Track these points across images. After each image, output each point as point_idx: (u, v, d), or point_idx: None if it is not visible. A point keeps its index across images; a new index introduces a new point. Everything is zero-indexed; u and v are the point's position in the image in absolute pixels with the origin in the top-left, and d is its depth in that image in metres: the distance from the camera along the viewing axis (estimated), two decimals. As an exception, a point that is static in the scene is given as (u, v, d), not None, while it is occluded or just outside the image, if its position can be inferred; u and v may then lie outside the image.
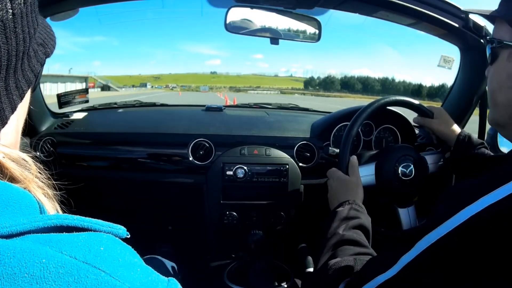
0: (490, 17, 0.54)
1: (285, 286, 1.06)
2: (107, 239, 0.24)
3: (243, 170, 1.04)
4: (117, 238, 0.26)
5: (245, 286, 1.04)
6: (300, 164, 1.09)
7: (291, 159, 1.09)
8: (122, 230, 0.26)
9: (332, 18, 1.14)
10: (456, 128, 0.93)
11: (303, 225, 1.19)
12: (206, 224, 1.14)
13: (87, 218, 0.25)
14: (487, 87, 0.56)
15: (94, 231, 0.24)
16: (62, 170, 1.08)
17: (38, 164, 0.30)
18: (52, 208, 0.27)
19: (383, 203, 0.95)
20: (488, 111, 0.60)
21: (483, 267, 0.38)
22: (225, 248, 1.21)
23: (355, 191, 0.80)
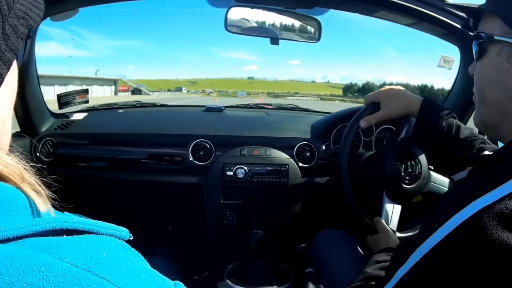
0: (476, 11, 0.52)
1: (285, 286, 1.06)
2: (109, 243, 0.23)
3: (243, 171, 1.04)
4: (120, 240, 0.25)
5: (245, 286, 1.04)
6: (300, 164, 1.09)
7: (291, 160, 1.09)
8: (124, 232, 0.25)
9: (332, 18, 1.14)
10: (414, 99, 0.81)
11: (304, 225, 1.19)
12: (206, 224, 1.14)
13: (87, 220, 0.24)
14: (474, 86, 0.52)
15: (95, 233, 0.23)
16: (63, 171, 1.09)
17: (26, 164, 0.27)
18: (43, 206, 0.25)
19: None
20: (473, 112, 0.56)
21: (477, 274, 0.37)
22: (225, 248, 1.21)
23: (388, 242, 0.76)
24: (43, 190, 0.26)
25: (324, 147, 1.11)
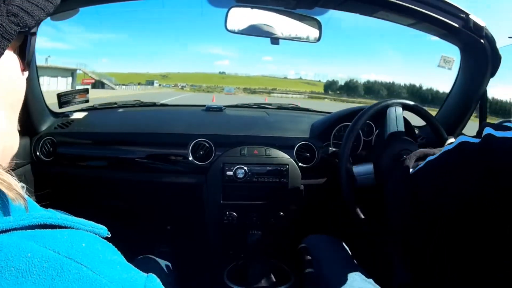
0: None
1: (285, 286, 1.06)
2: (88, 236, 0.26)
3: (243, 170, 1.04)
4: (98, 237, 0.27)
5: (245, 286, 1.04)
6: (300, 164, 1.09)
7: (291, 159, 1.09)
8: (103, 230, 0.28)
9: (333, 18, 1.14)
10: None
11: (303, 225, 1.19)
12: (206, 224, 1.14)
13: (70, 217, 0.26)
14: None
15: (76, 229, 0.26)
16: (62, 170, 1.09)
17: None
18: (15, 200, 0.26)
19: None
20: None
21: None
22: (225, 248, 1.21)
23: None
24: (15, 184, 0.26)
25: (324, 147, 1.11)
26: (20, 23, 0.27)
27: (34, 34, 0.30)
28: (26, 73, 0.32)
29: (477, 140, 0.47)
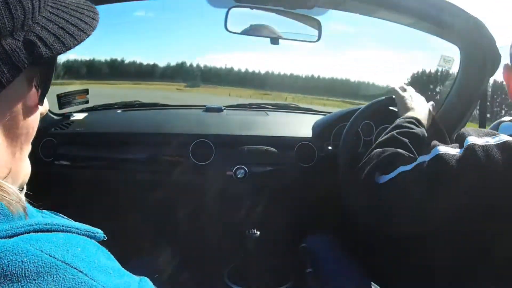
0: None
1: (285, 286, 1.06)
2: (83, 241, 0.26)
3: (243, 170, 1.05)
4: (92, 240, 0.27)
5: (245, 286, 1.04)
6: (300, 164, 1.09)
7: (291, 159, 1.09)
8: (99, 233, 0.28)
9: (333, 18, 1.14)
10: None
11: (303, 225, 1.19)
12: (206, 225, 1.14)
13: (66, 221, 0.26)
14: None
15: (71, 233, 0.26)
16: (62, 171, 1.09)
17: None
18: (14, 210, 0.25)
19: None
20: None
21: None
22: (225, 248, 1.21)
23: (420, 110, 0.82)
24: (13, 192, 0.26)
25: (324, 147, 1.11)
26: (36, 53, 0.25)
27: (52, 68, 0.28)
28: (41, 107, 0.30)
29: (458, 151, 0.47)
